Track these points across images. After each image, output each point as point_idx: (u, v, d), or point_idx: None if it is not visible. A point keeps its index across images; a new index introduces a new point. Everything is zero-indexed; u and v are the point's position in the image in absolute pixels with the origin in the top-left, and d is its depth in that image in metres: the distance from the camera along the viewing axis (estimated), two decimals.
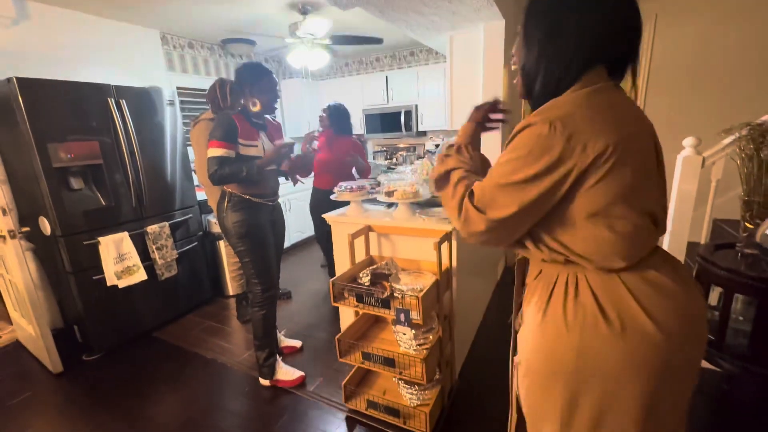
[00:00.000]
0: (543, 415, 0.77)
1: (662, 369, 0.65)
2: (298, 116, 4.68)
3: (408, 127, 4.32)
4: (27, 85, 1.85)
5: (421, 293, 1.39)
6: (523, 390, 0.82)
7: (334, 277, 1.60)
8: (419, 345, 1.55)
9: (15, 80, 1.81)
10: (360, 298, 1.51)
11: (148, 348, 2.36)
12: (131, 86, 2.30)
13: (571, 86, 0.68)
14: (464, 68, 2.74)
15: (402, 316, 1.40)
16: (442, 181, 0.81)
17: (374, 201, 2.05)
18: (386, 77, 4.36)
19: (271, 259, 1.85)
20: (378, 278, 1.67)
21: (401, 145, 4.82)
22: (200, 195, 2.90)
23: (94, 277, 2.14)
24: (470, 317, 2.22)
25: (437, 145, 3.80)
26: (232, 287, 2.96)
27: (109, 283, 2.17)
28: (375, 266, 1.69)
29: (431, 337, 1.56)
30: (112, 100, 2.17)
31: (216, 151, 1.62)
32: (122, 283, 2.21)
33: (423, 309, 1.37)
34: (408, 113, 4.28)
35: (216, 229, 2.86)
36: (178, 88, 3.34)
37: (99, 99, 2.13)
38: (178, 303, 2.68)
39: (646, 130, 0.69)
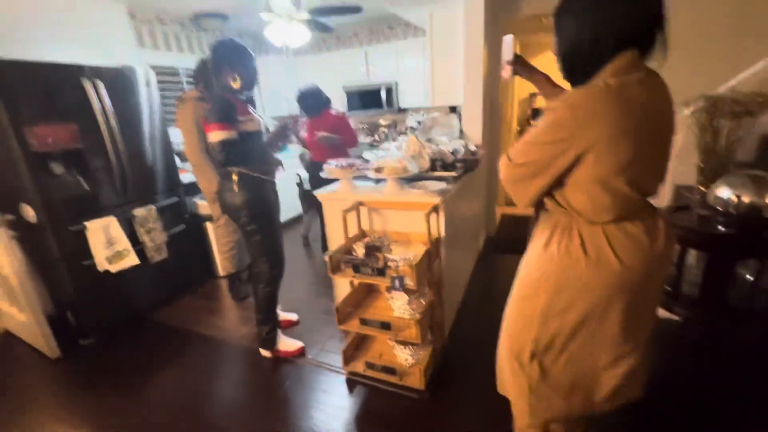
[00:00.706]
0: (525, 318, 1.00)
1: (620, 290, 0.88)
2: (276, 94, 4.59)
3: (389, 104, 4.34)
4: None
5: (414, 261, 1.50)
6: (513, 302, 1.05)
7: (331, 251, 1.68)
8: (413, 309, 1.68)
9: None
10: (356, 269, 1.61)
11: (146, 330, 2.40)
12: (106, 66, 2.22)
13: (602, 66, 0.81)
14: (444, 44, 2.78)
15: (397, 283, 1.51)
16: None
17: (362, 177, 2.12)
18: (365, 53, 4.31)
19: (279, 236, 1.91)
20: (371, 250, 1.76)
21: (382, 122, 4.83)
22: (184, 177, 2.88)
23: (84, 263, 2.14)
24: (456, 284, 2.37)
25: (419, 122, 3.85)
26: (222, 267, 2.99)
27: (100, 269, 2.17)
28: (368, 239, 1.78)
29: (423, 301, 1.69)
30: (88, 81, 2.10)
31: (219, 135, 1.61)
32: (114, 268, 2.22)
33: (416, 275, 1.49)
34: (389, 90, 4.28)
35: (204, 210, 2.86)
36: (150, 66, 3.21)
37: (74, 80, 2.05)
38: (170, 285, 2.71)
39: (654, 118, 0.81)
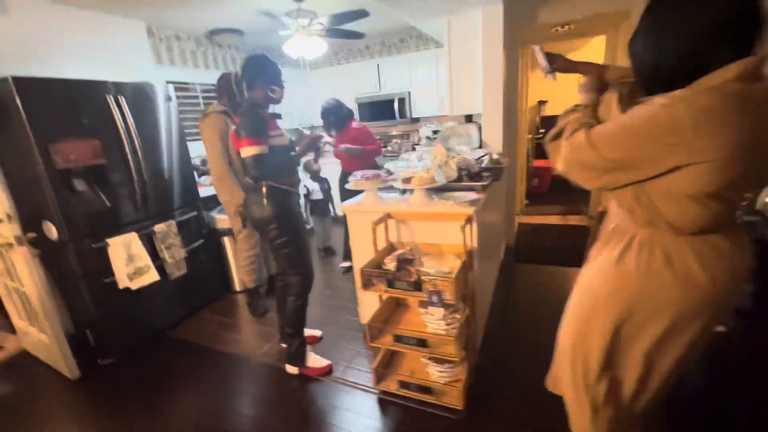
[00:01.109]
0: (593, 337, 0.92)
1: (706, 307, 0.81)
2: (289, 107, 4.59)
3: (402, 114, 4.33)
4: (24, 84, 1.76)
5: (453, 275, 1.44)
6: (577, 318, 0.97)
7: (362, 265, 1.63)
8: (448, 324, 1.61)
9: (11, 80, 1.72)
10: (390, 284, 1.55)
11: (165, 347, 2.35)
12: (128, 81, 2.22)
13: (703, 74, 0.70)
14: (462, 52, 2.76)
15: (435, 297, 1.45)
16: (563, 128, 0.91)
17: (387, 188, 2.07)
18: (377, 65, 4.33)
19: (307, 248, 1.88)
20: (403, 263, 1.71)
21: (394, 133, 4.83)
22: (202, 191, 2.86)
23: (105, 280, 2.10)
24: (484, 296, 2.30)
25: (435, 132, 3.82)
26: (240, 282, 2.95)
27: (121, 286, 2.13)
28: (399, 252, 1.73)
29: (459, 315, 1.63)
30: (111, 96, 2.10)
31: (252, 150, 1.60)
32: (135, 285, 2.18)
33: (456, 290, 1.43)
34: (402, 100, 4.28)
35: (222, 224, 2.82)
36: (167, 82, 3.23)
37: (97, 96, 2.05)
38: (188, 301, 2.66)
39: None
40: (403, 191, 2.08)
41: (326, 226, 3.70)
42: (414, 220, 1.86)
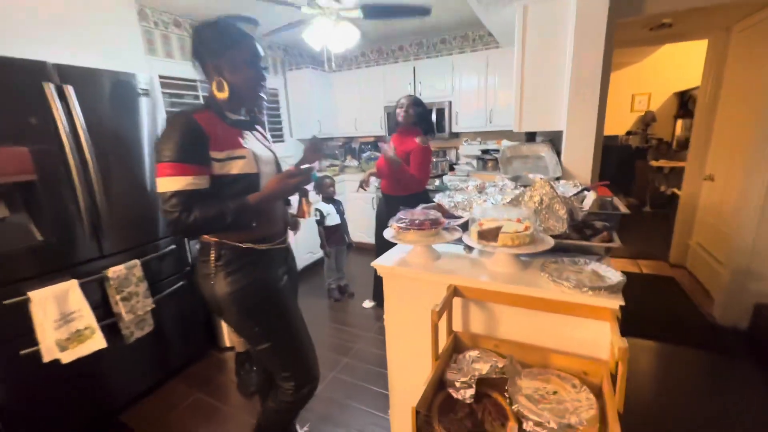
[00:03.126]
0: None
1: None
2: (306, 115, 3.96)
3: (440, 128, 3.63)
4: None
5: None
6: None
7: (415, 404, 0.89)
8: None
9: None
10: None
11: None
12: (81, 66, 1.59)
13: None
14: (540, 50, 2.06)
15: None
16: None
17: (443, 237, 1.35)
18: (413, 68, 3.66)
19: (302, 334, 1.17)
20: (485, 388, 0.98)
21: None
22: None
23: (21, 352, 1.43)
24: None
25: (486, 152, 3.09)
26: (230, 339, 2.26)
27: (46, 358, 1.45)
28: (474, 361, 0.99)
29: None
30: (52, 85, 1.46)
31: (171, 184, 0.92)
32: (67, 357, 1.50)
33: None
34: (440, 111, 3.59)
35: None
36: (161, 76, 2.62)
37: (29, 84, 1.42)
38: (155, 367, 1.96)
39: None
40: (469, 247, 1.36)
41: (342, 258, 3.00)
42: (497, 304, 1.13)
